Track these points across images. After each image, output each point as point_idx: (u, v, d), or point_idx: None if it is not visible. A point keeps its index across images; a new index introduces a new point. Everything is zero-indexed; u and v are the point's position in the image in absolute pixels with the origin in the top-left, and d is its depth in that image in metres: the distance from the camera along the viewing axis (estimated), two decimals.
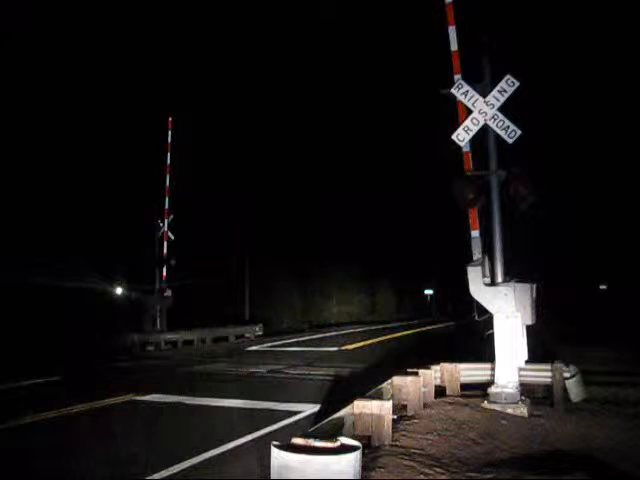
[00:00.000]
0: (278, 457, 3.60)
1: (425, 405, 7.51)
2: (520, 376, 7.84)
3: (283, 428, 7.19)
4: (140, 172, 22.27)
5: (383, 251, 40.06)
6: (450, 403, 7.83)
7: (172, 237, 22.05)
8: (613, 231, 37.33)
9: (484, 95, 8.17)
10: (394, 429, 5.98)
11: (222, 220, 27.08)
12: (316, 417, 7.46)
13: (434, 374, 8.25)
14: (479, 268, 8.07)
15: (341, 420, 5.33)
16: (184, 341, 20.06)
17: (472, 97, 8.24)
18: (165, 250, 21.96)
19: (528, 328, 8.33)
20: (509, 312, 7.79)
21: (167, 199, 22.18)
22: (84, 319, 19.05)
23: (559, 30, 30.67)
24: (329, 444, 3.68)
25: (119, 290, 21.84)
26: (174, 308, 21.74)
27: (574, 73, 33.68)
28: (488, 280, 8.13)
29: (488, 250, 8.27)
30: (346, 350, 17.62)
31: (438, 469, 4.97)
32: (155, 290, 21.50)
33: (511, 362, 7.76)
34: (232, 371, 13.09)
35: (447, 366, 8.59)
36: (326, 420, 5.25)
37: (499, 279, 8.03)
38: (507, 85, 8.06)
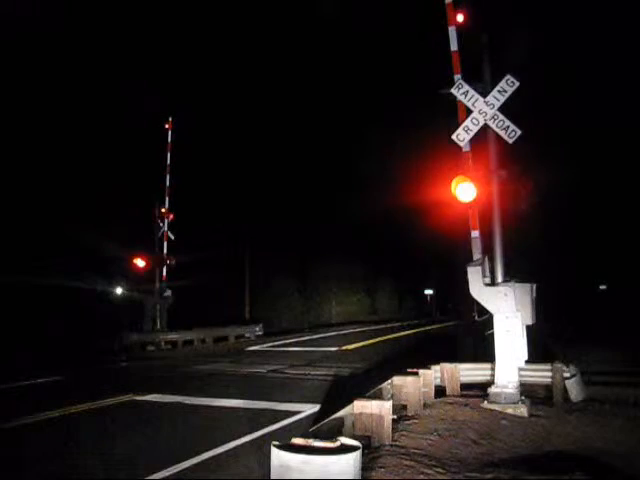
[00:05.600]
0: (278, 457, 3.60)
1: (425, 405, 7.51)
2: (520, 376, 7.83)
3: (283, 428, 7.19)
4: (140, 172, 22.28)
5: (383, 251, 40.05)
6: (450, 403, 7.82)
7: (172, 237, 22.05)
8: (613, 231, 37.34)
9: (484, 95, 8.16)
10: (394, 429, 5.97)
11: (222, 220, 27.09)
12: (316, 417, 7.45)
13: (434, 374, 8.24)
14: (479, 268, 8.05)
15: (341, 420, 5.33)
16: (184, 341, 20.06)
17: (472, 97, 8.23)
18: (165, 250, 21.96)
19: (528, 328, 8.33)
20: (509, 312, 7.76)
21: (167, 199, 22.20)
22: (84, 319, 19.07)
23: (559, 28, 30.66)
24: (329, 444, 3.68)
25: (119, 290, 21.84)
26: (174, 308, 21.74)
27: (574, 72, 33.67)
28: (488, 280, 8.11)
29: (488, 250, 8.26)
30: (346, 350, 17.60)
31: (438, 469, 4.96)
32: (155, 290, 21.50)
33: (511, 362, 7.75)
34: (232, 371, 13.09)
35: (447, 366, 8.59)
36: (326, 420, 5.25)
37: (499, 279, 8.01)
38: (507, 85, 8.05)
